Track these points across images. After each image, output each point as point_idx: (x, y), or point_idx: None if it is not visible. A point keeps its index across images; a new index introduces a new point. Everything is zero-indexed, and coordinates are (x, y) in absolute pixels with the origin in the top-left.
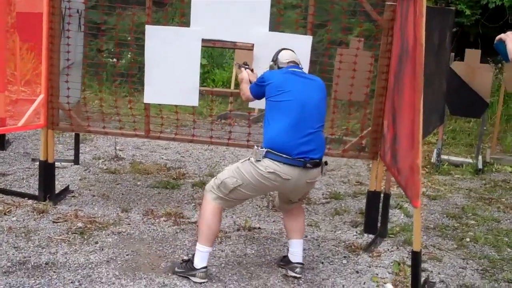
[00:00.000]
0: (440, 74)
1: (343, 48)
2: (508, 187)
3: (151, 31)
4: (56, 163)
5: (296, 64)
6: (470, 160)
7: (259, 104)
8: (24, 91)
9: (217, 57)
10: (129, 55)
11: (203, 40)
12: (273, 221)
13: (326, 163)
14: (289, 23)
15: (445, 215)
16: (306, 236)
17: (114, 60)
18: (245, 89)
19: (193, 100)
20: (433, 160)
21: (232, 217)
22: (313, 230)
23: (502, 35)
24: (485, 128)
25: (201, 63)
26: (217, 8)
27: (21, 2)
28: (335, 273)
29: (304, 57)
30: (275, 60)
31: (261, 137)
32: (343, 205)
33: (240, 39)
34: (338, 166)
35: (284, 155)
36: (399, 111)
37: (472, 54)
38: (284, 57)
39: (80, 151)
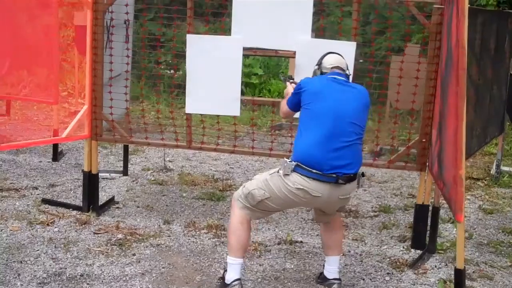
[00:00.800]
0: (499, 81)
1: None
2: None
3: (192, 40)
4: (104, 174)
5: (341, 70)
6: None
7: None
8: (83, 103)
9: (273, 67)
10: (185, 67)
11: (244, 49)
12: (317, 235)
13: (363, 174)
14: (347, 30)
15: (501, 230)
16: (349, 251)
17: (172, 71)
18: (283, 103)
19: (234, 109)
20: (492, 171)
21: (274, 230)
22: (357, 244)
23: None
24: None
25: (257, 73)
26: (258, 16)
27: (79, 15)
28: None
29: (348, 64)
30: (319, 64)
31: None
32: (392, 218)
33: (282, 47)
34: (391, 178)
35: (314, 171)
36: (445, 119)
37: None
38: (328, 61)
39: (131, 162)
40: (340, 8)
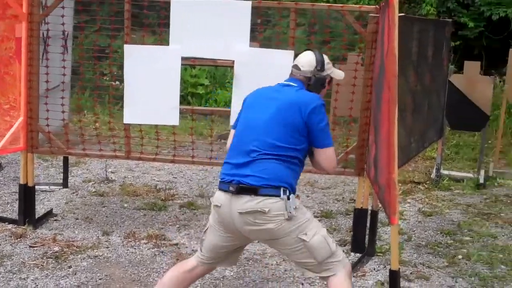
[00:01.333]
0: (438, 88)
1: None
2: (509, 201)
3: (130, 50)
4: (44, 187)
5: (296, 69)
6: (472, 175)
7: None
8: None
9: (220, 77)
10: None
11: (183, 58)
12: (257, 242)
13: (288, 197)
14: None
15: (439, 232)
16: None
17: (117, 82)
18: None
19: (173, 119)
20: (432, 175)
21: None
22: None
23: None
24: (489, 142)
25: (203, 84)
26: (196, 26)
27: (20, 27)
28: None
29: (286, 73)
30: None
31: None
32: (333, 223)
33: (220, 56)
34: (335, 184)
35: (220, 180)
36: (379, 124)
37: (472, 66)
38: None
39: (72, 174)
40: (282, 18)
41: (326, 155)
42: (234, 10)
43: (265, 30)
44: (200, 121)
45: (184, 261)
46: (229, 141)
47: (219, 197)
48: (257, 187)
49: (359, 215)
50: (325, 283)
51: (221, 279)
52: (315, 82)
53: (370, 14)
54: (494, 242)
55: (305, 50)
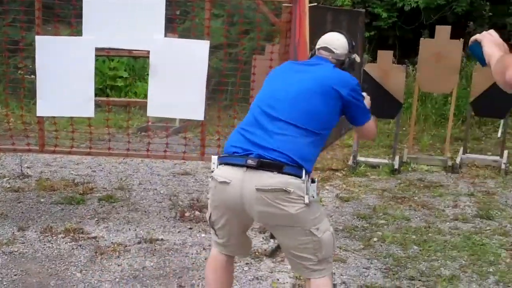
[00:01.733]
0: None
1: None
2: (422, 185)
3: (41, 41)
4: None
5: (327, 52)
6: (387, 161)
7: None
8: None
9: (139, 69)
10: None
11: (97, 49)
12: (178, 232)
13: (313, 180)
14: (214, 31)
15: (355, 216)
16: (210, 245)
17: (32, 76)
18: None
19: (88, 111)
20: (350, 162)
21: (135, 229)
22: None
23: (477, 36)
24: (404, 129)
25: (122, 76)
26: (110, 16)
27: None
28: (235, 281)
29: (202, 63)
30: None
31: (179, 147)
32: None
33: (135, 46)
34: None
35: (225, 154)
36: None
37: (385, 56)
38: (318, 42)
39: None
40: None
41: (368, 128)
42: (149, 0)
43: (184, 22)
44: (120, 113)
45: (212, 261)
46: None
47: (227, 172)
48: (283, 163)
49: None
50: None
51: (141, 270)
52: (349, 65)
53: (284, 4)
54: (408, 224)
55: (330, 31)
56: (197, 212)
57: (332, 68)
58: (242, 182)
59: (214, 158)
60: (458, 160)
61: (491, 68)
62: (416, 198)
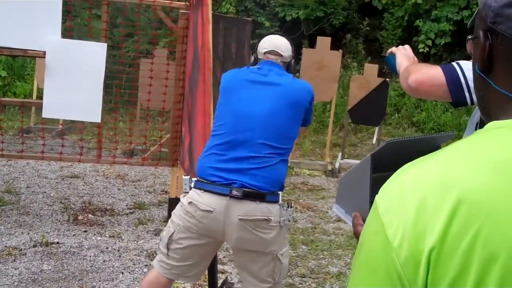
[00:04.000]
0: None
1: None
2: (305, 188)
3: None
4: None
5: (276, 56)
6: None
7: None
8: None
9: (18, 68)
10: None
11: None
12: (73, 235)
13: (289, 205)
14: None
15: None
16: (107, 248)
17: None
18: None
19: None
20: None
21: (28, 233)
22: (115, 241)
23: (393, 49)
24: None
25: (0, 75)
26: (5, 14)
27: None
28: (135, 282)
29: (99, 65)
30: (255, 50)
31: (63, 149)
32: (147, 214)
33: (31, 46)
34: (145, 177)
35: (206, 181)
36: (194, 116)
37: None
38: (262, 45)
39: None
40: (88, 9)
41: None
42: (45, 0)
43: (65, 21)
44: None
45: (153, 280)
46: None
47: (210, 200)
48: (265, 192)
49: (174, 204)
50: None
51: (40, 273)
52: (293, 67)
53: (181, 10)
54: (295, 225)
55: (270, 34)
56: (90, 215)
57: (292, 79)
58: (225, 210)
59: (187, 179)
60: (337, 165)
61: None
62: (301, 200)
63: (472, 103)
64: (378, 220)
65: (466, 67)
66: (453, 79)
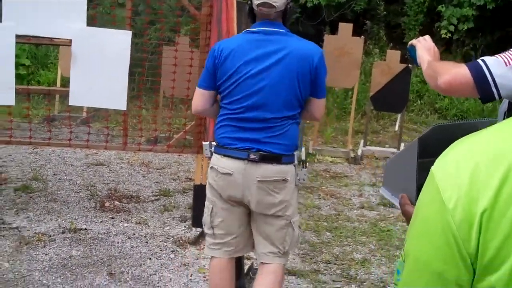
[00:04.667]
0: None
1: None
2: (328, 175)
3: None
4: None
5: (268, 7)
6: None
7: (88, 102)
8: None
9: (42, 57)
10: None
11: (17, 36)
12: (101, 222)
13: (304, 165)
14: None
15: None
16: (134, 234)
17: None
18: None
19: (9, 99)
20: None
21: (57, 220)
22: (141, 227)
23: (413, 41)
24: (308, 122)
25: (24, 64)
26: (31, 2)
27: None
28: (163, 268)
29: (124, 53)
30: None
31: (88, 137)
32: (172, 201)
33: (57, 34)
34: (168, 164)
35: (226, 147)
36: None
37: None
38: None
39: None
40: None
41: (323, 104)
42: None
43: (88, 9)
44: (23, 102)
45: (216, 267)
46: (199, 101)
47: (229, 164)
48: (280, 155)
49: (199, 191)
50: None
51: (69, 259)
52: (290, 15)
53: None
54: (319, 212)
55: None
56: (116, 202)
57: (296, 41)
58: (244, 173)
59: (207, 145)
60: (359, 152)
61: (423, 70)
62: (324, 187)
63: (500, 97)
64: (435, 187)
65: (491, 63)
66: (479, 76)
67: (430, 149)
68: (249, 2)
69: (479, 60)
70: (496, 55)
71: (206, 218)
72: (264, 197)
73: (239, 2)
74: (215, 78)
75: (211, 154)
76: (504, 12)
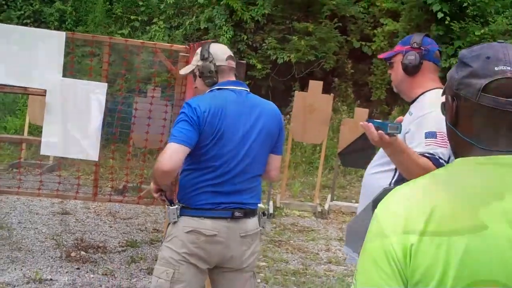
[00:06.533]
0: None
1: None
2: (295, 229)
3: None
4: None
5: (233, 60)
6: (262, 205)
7: (60, 152)
8: None
9: (9, 103)
10: None
11: None
12: (66, 272)
13: (264, 213)
14: (86, 70)
15: None
16: (100, 286)
17: None
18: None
19: None
20: None
21: (21, 269)
22: (108, 279)
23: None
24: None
25: None
26: (8, 53)
27: None
28: None
29: (98, 105)
30: (206, 57)
31: (54, 185)
32: (139, 252)
33: (32, 84)
34: (136, 214)
35: (207, 208)
36: None
37: None
38: (220, 50)
39: None
40: (90, 51)
41: (279, 162)
42: (48, 40)
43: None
44: None
45: None
46: (176, 159)
47: (212, 225)
48: (256, 209)
49: None
50: None
51: None
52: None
53: (181, 53)
54: (287, 266)
55: (211, 42)
56: (82, 252)
57: (262, 100)
58: (227, 231)
59: (173, 209)
60: (326, 207)
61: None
62: (291, 241)
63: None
64: (379, 225)
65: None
66: (438, 164)
67: None
68: (207, 60)
69: (435, 155)
70: (440, 145)
71: (162, 284)
72: (244, 251)
73: None
74: (198, 137)
75: (177, 218)
76: None
